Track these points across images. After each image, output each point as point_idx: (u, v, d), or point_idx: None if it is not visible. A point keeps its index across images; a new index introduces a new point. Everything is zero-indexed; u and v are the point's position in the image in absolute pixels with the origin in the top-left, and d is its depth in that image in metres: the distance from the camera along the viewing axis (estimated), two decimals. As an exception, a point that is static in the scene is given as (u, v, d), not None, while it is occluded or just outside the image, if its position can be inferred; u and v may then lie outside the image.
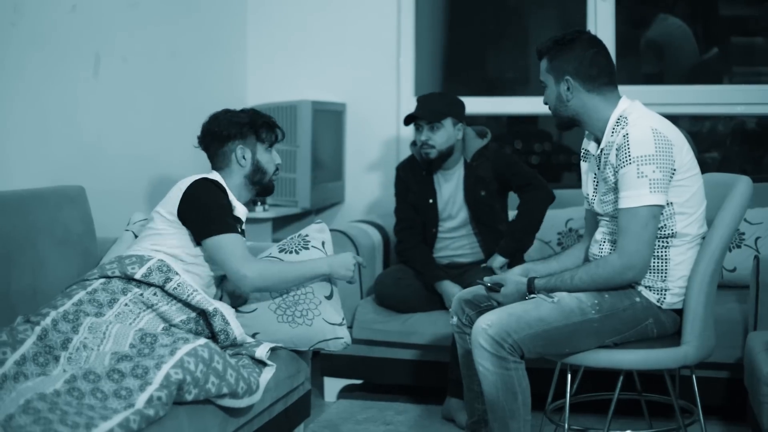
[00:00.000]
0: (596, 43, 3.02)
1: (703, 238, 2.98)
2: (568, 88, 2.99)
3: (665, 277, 2.95)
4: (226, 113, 3.32)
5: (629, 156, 2.84)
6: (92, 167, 3.87)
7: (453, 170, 4.21)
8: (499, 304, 3.03)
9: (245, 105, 5.07)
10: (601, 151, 2.99)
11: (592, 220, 3.18)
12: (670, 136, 2.88)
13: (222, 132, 3.27)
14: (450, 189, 4.21)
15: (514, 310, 2.89)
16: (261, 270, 3.08)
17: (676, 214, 2.91)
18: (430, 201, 4.21)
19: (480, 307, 3.17)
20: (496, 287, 3.07)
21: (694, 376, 3.06)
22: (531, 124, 5.61)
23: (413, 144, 4.31)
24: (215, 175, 3.25)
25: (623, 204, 2.87)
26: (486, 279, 3.12)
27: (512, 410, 2.88)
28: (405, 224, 4.24)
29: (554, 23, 5.67)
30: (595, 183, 3.06)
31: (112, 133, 4.03)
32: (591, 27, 4.77)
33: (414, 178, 4.25)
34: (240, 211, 3.27)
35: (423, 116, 4.09)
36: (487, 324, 2.85)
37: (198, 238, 3.10)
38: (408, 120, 4.16)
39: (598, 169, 3.02)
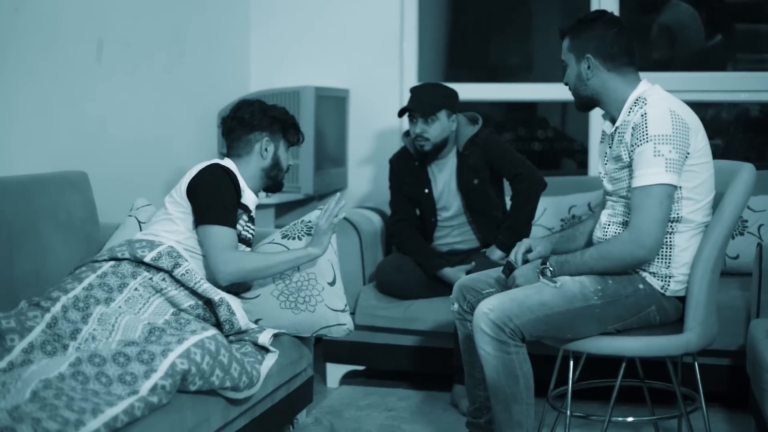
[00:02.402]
0: (618, 23, 3.03)
1: (707, 226, 2.97)
2: (589, 67, 2.99)
3: (669, 263, 2.94)
4: (260, 104, 3.33)
5: (646, 134, 2.83)
6: (95, 153, 3.87)
7: (446, 160, 4.19)
8: (510, 286, 3.03)
9: (248, 91, 5.07)
10: (615, 129, 2.99)
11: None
12: (687, 119, 2.88)
13: (253, 121, 3.29)
14: (444, 179, 4.19)
15: (516, 294, 2.89)
16: (237, 264, 3.08)
17: (684, 199, 2.90)
18: (426, 191, 4.20)
19: (481, 294, 3.16)
20: (512, 265, 3.07)
21: (696, 364, 3.06)
22: (531, 110, 5.59)
23: (405, 135, 4.28)
24: (228, 162, 3.26)
25: (638, 182, 2.85)
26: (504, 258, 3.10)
27: (514, 394, 2.89)
28: (400, 216, 4.23)
29: (558, 9, 5.65)
30: (606, 160, 3.05)
31: (115, 119, 4.02)
32: (595, 13, 4.74)
33: (408, 169, 4.23)
34: (249, 198, 3.27)
35: (418, 109, 4.06)
36: (488, 308, 2.85)
37: (195, 222, 3.12)
38: (402, 112, 4.14)
39: (610, 147, 3.02)
